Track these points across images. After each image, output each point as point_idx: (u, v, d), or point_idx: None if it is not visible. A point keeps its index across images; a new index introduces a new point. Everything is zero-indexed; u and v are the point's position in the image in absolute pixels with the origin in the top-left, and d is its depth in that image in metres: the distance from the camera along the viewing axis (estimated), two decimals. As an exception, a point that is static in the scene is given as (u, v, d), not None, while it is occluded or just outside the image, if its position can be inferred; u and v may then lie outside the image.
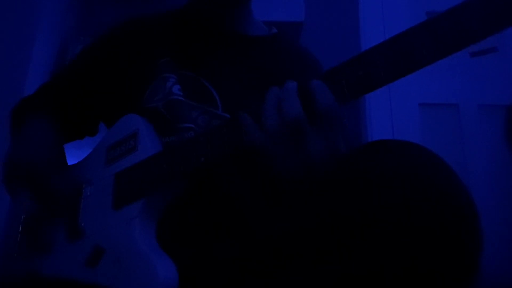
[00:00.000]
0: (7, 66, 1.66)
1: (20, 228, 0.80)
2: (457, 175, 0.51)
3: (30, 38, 1.73)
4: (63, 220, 0.75)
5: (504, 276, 1.58)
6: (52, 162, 0.77)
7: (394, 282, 0.49)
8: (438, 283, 0.48)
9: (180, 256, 0.63)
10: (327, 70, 0.57)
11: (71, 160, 0.85)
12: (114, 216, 0.69)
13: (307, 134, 0.56)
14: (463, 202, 0.49)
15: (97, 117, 0.94)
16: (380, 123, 1.84)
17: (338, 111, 0.55)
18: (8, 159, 0.80)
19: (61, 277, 0.71)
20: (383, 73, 0.52)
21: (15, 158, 0.79)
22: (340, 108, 0.55)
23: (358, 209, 0.51)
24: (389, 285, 0.49)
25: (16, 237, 0.80)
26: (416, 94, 1.87)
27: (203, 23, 0.89)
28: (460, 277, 0.48)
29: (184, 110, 0.77)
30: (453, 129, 1.87)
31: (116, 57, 0.87)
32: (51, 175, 0.74)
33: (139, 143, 0.71)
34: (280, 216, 0.62)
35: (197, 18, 0.90)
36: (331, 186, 0.56)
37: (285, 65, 0.88)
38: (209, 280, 0.66)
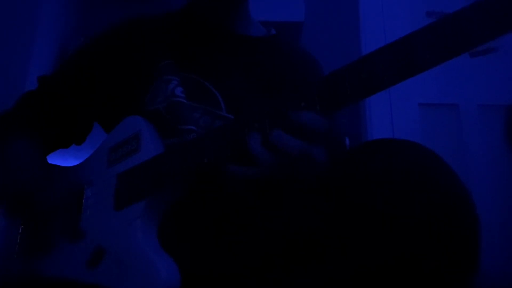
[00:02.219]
0: (7, 66, 1.66)
1: (21, 229, 0.80)
2: (456, 173, 0.51)
3: (30, 38, 1.73)
4: (64, 220, 0.75)
5: (504, 276, 1.58)
6: (36, 177, 0.76)
7: (394, 280, 0.49)
8: (437, 281, 0.48)
9: (182, 257, 0.63)
10: (330, 73, 0.57)
11: (70, 162, 0.85)
12: (115, 217, 0.69)
13: (312, 153, 0.57)
14: (461, 201, 0.49)
15: (93, 120, 0.93)
16: (380, 123, 1.84)
17: (330, 128, 0.57)
18: None
19: (62, 278, 0.71)
20: (386, 75, 0.52)
21: None
22: (329, 123, 0.56)
23: (357, 207, 0.51)
24: (389, 283, 0.49)
25: (16, 238, 0.80)
26: (416, 94, 1.87)
27: (203, 24, 0.89)
28: (459, 275, 0.48)
29: (185, 112, 0.77)
30: (453, 129, 1.87)
31: (116, 57, 0.87)
32: (38, 191, 0.73)
33: (141, 144, 0.71)
34: (281, 216, 0.62)
35: (197, 20, 0.90)
36: (331, 185, 0.56)
37: (285, 66, 0.88)
38: (211, 280, 0.66)
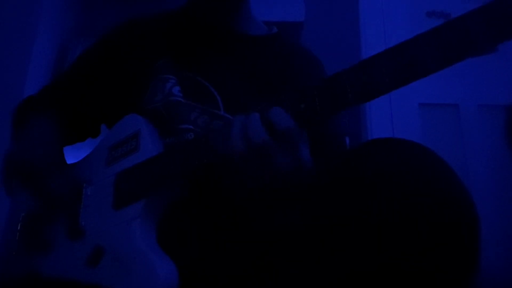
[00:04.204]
0: (7, 66, 1.66)
1: (19, 226, 0.80)
2: (456, 173, 0.51)
3: (30, 38, 1.73)
4: (63, 219, 0.75)
5: (504, 276, 1.58)
6: (51, 162, 0.77)
7: (394, 280, 0.49)
8: (437, 281, 0.48)
9: (180, 256, 0.63)
10: (331, 75, 0.57)
11: (71, 160, 0.85)
12: (114, 216, 0.69)
13: (273, 154, 0.57)
14: (461, 200, 0.49)
15: (98, 118, 0.93)
16: (380, 123, 1.84)
17: (298, 131, 0.57)
18: (8, 157, 0.80)
19: (61, 277, 0.71)
20: (388, 79, 0.52)
21: (15, 156, 0.79)
22: (299, 128, 0.57)
23: (357, 207, 0.51)
24: (389, 283, 0.49)
25: (15, 235, 0.80)
26: (416, 94, 1.87)
27: (203, 23, 0.89)
28: (459, 275, 0.48)
29: (183, 111, 0.77)
30: (453, 129, 1.87)
31: (117, 58, 0.87)
32: (50, 175, 0.74)
33: (140, 143, 0.71)
34: (281, 216, 0.62)
35: (197, 19, 0.90)
36: (331, 185, 0.56)
37: (286, 65, 0.88)
38: (209, 280, 0.66)
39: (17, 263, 0.78)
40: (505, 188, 1.75)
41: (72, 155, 0.89)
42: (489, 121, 1.84)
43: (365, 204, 0.50)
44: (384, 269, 0.49)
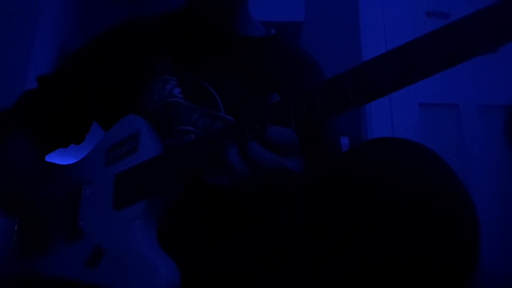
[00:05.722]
0: (7, 66, 1.66)
1: (16, 227, 0.80)
2: (456, 174, 0.51)
3: (30, 38, 1.73)
4: (62, 220, 0.75)
5: (504, 276, 1.58)
6: (34, 176, 0.76)
7: (393, 279, 0.49)
8: (437, 281, 0.48)
9: (181, 257, 0.63)
10: (332, 76, 0.57)
11: (71, 160, 0.85)
12: (114, 216, 0.69)
13: (287, 166, 0.58)
14: (461, 201, 0.49)
15: (92, 120, 0.92)
16: (380, 123, 1.84)
17: (297, 139, 0.58)
18: None
19: (61, 278, 0.71)
20: (389, 80, 0.52)
21: None
22: (296, 134, 0.58)
23: (356, 206, 0.51)
24: (388, 282, 0.49)
25: (12, 236, 0.80)
26: (416, 94, 1.87)
27: (202, 24, 0.89)
28: (459, 274, 0.48)
29: (183, 112, 0.77)
30: (453, 129, 1.87)
31: (114, 57, 0.87)
32: (36, 190, 0.73)
33: (140, 144, 0.71)
34: (282, 216, 0.62)
35: (196, 20, 0.90)
36: (331, 184, 0.56)
37: (284, 67, 0.88)
38: (210, 281, 0.65)
39: (16, 264, 0.78)
40: (505, 188, 1.75)
41: (72, 155, 0.88)
42: (489, 121, 1.85)
43: (364, 204, 0.50)
44: (383, 269, 0.49)
